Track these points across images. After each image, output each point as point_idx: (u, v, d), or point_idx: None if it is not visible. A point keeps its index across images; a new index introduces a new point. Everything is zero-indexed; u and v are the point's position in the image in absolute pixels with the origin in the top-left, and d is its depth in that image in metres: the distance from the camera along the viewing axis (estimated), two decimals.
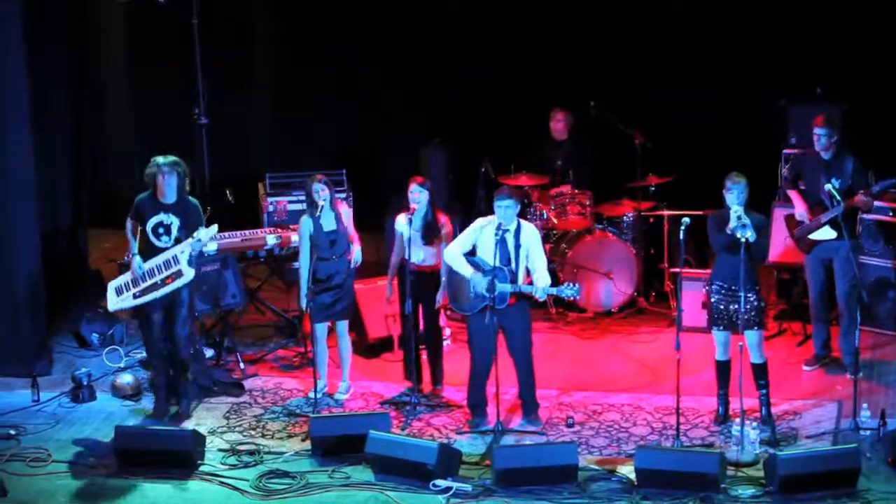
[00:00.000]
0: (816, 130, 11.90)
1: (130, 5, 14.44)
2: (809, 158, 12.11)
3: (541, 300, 11.58)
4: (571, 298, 11.19)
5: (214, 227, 11.43)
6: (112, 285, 11.63)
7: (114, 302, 11.61)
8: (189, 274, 11.37)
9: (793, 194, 12.12)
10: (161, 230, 11.37)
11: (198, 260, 11.55)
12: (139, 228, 11.43)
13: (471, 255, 11.18)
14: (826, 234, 11.89)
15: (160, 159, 11.35)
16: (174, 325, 11.56)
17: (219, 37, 14.80)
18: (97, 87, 15.65)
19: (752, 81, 14.22)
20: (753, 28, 14.23)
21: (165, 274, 11.36)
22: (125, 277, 11.54)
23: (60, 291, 13.39)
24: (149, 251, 11.40)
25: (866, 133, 13.11)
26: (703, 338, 12.37)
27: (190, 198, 11.46)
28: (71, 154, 13.95)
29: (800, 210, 12.00)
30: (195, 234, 11.31)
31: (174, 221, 11.36)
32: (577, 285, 11.06)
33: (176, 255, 11.36)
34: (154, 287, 11.38)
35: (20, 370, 12.36)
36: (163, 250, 11.38)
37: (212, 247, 12.52)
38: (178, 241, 11.36)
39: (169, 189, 11.31)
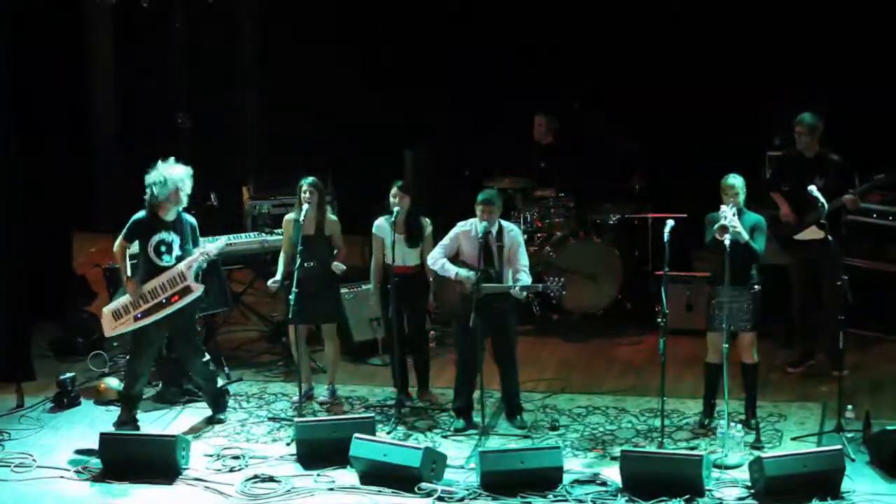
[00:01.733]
0: (798, 129, 11.95)
1: (117, 7, 14.39)
2: (792, 159, 12.14)
3: (520, 297, 11.31)
4: (557, 293, 11.10)
5: (224, 240, 11.34)
6: (108, 310, 11.40)
7: (112, 326, 11.35)
8: (198, 290, 11.22)
9: (776, 197, 12.14)
10: (163, 248, 11.19)
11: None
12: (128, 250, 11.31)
13: (453, 259, 11.18)
14: (812, 234, 11.90)
15: (186, 174, 11.13)
16: (193, 358, 11.41)
17: (202, 40, 14.77)
18: (82, 88, 15.61)
19: (736, 83, 14.23)
20: (739, 29, 14.22)
21: (171, 292, 11.17)
22: (122, 300, 11.32)
23: (45, 296, 13.34)
24: (151, 271, 11.22)
25: (852, 133, 13.15)
26: (688, 340, 12.39)
27: (185, 214, 11.35)
28: (55, 157, 13.90)
29: (785, 212, 12.01)
30: (203, 248, 11.20)
31: (175, 239, 11.19)
32: (562, 280, 11.05)
33: (182, 272, 11.17)
34: (159, 307, 11.19)
35: (3, 375, 12.30)
36: (165, 269, 11.24)
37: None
38: (178, 258, 11.24)
39: (179, 206, 11.17)
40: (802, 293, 12.23)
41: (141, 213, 11.24)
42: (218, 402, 11.65)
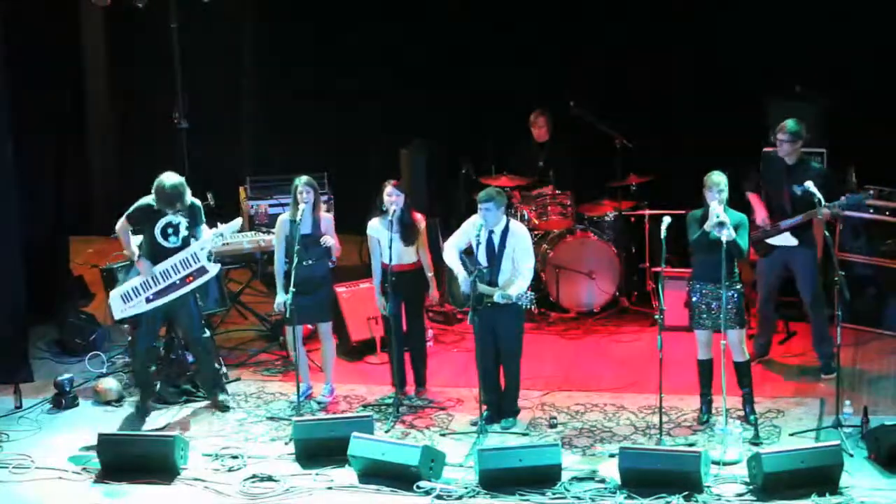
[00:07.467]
0: (780, 136, 11.87)
1: (113, 7, 14.37)
2: (776, 161, 12.04)
3: (500, 301, 11.11)
4: (527, 306, 11.08)
5: (238, 221, 11.38)
6: (116, 293, 11.43)
7: (121, 310, 11.40)
8: (213, 270, 11.31)
9: (753, 198, 12.05)
10: (170, 230, 11.28)
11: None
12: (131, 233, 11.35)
13: (468, 253, 11.19)
14: (785, 240, 11.88)
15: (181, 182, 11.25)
16: (190, 332, 11.53)
17: (198, 40, 14.74)
18: (78, 90, 15.60)
19: (732, 79, 14.21)
20: (733, 25, 14.21)
21: (185, 273, 11.23)
22: (132, 282, 11.37)
23: (42, 297, 13.33)
24: (156, 253, 11.30)
25: (846, 130, 13.17)
26: (686, 337, 12.37)
27: (193, 199, 11.41)
28: (52, 158, 13.89)
29: (760, 216, 11.92)
30: (217, 230, 11.24)
31: (181, 221, 11.28)
32: (532, 294, 11.02)
33: (195, 253, 11.25)
34: (171, 288, 11.25)
35: (2, 377, 12.30)
36: (171, 251, 11.28)
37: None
38: (185, 240, 11.29)
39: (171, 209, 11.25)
40: (766, 293, 12.18)
41: (148, 198, 11.28)
42: (217, 382, 11.66)
